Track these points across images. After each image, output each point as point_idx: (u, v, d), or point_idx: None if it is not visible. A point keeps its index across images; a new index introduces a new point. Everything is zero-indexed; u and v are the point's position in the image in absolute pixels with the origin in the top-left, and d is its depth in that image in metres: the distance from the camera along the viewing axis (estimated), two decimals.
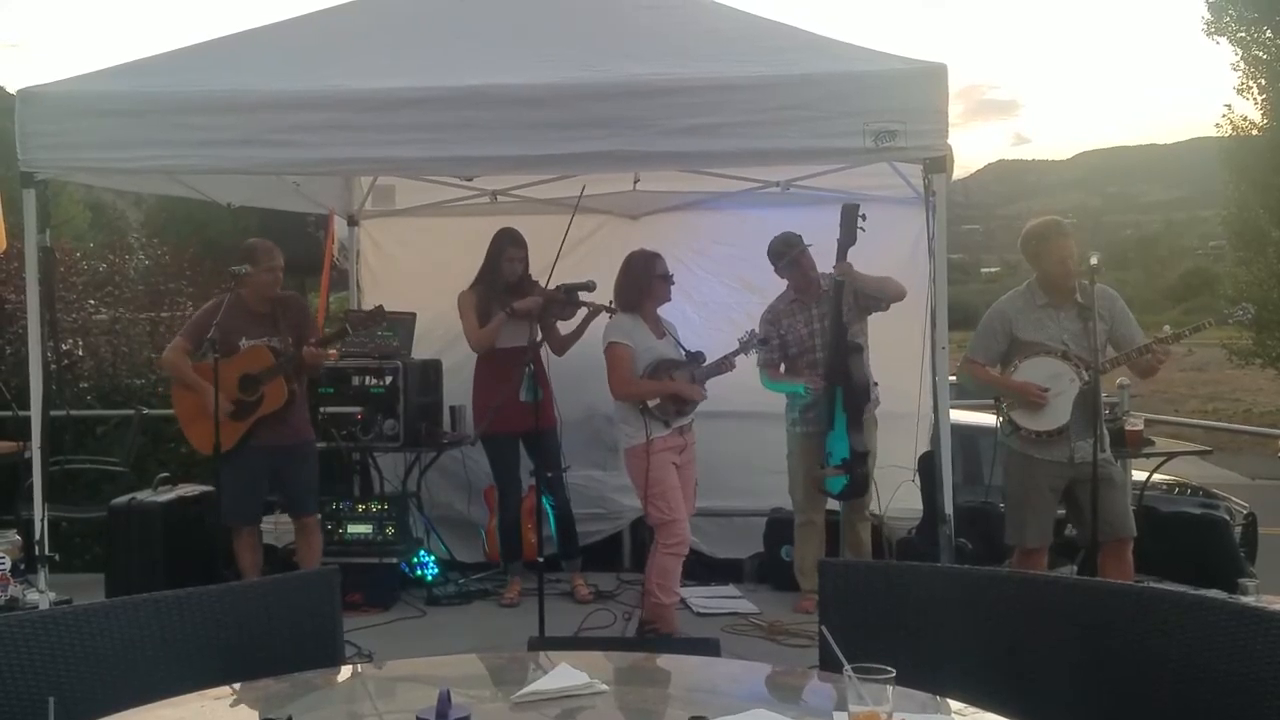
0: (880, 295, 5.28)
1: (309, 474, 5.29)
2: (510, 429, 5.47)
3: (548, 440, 5.69)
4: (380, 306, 5.21)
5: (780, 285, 5.61)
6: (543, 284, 5.53)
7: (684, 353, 5.09)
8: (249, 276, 5.07)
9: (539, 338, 5.58)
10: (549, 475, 5.65)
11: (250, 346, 5.05)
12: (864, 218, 5.03)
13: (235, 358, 5.00)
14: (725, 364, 5.08)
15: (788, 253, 5.42)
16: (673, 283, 5.17)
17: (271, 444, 5.06)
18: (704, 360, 5.06)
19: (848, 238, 5.07)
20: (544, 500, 5.85)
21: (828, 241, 5.38)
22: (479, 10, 4.96)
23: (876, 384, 5.43)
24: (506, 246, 5.70)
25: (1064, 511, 4.91)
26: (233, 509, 5.06)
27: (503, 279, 5.67)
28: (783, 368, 5.51)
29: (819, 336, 5.38)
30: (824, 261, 5.41)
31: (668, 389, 4.93)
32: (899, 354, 5.59)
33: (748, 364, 5.41)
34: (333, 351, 5.26)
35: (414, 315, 6.22)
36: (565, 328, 5.74)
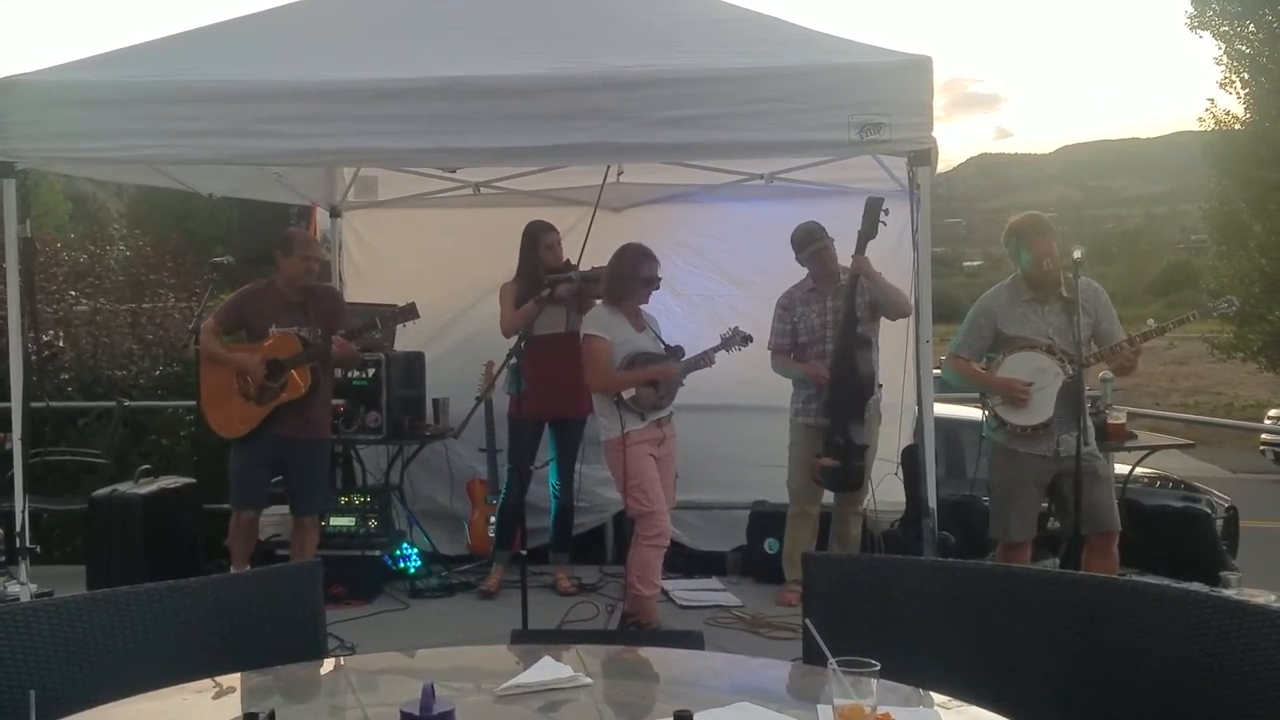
0: (887, 301, 5.27)
1: (318, 472, 5.29)
2: (538, 414, 5.43)
3: (575, 430, 5.73)
4: (412, 303, 5.12)
5: (762, 278, 5.62)
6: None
7: (663, 347, 5.08)
8: (283, 263, 5.09)
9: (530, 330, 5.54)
10: (535, 466, 5.62)
11: (279, 333, 5.06)
12: (887, 212, 5.00)
13: (263, 343, 5.07)
14: (704, 359, 5.07)
15: (810, 244, 5.41)
16: (656, 287, 5.12)
17: (286, 435, 5.05)
18: (683, 354, 5.06)
19: (869, 230, 5.04)
20: (551, 489, 5.84)
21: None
22: (463, 2, 4.94)
23: (881, 384, 5.46)
24: (541, 234, 5.69)
25: (1048, 505, 4.93)
26: (237, 493, 5.13)
27: (545, 266, 5.61)
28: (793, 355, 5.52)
29: (830, 328, 5.37)
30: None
31: (643, 376, 4.92)
32: (884, 347, 5.60)
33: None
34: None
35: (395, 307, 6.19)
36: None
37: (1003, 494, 4.78)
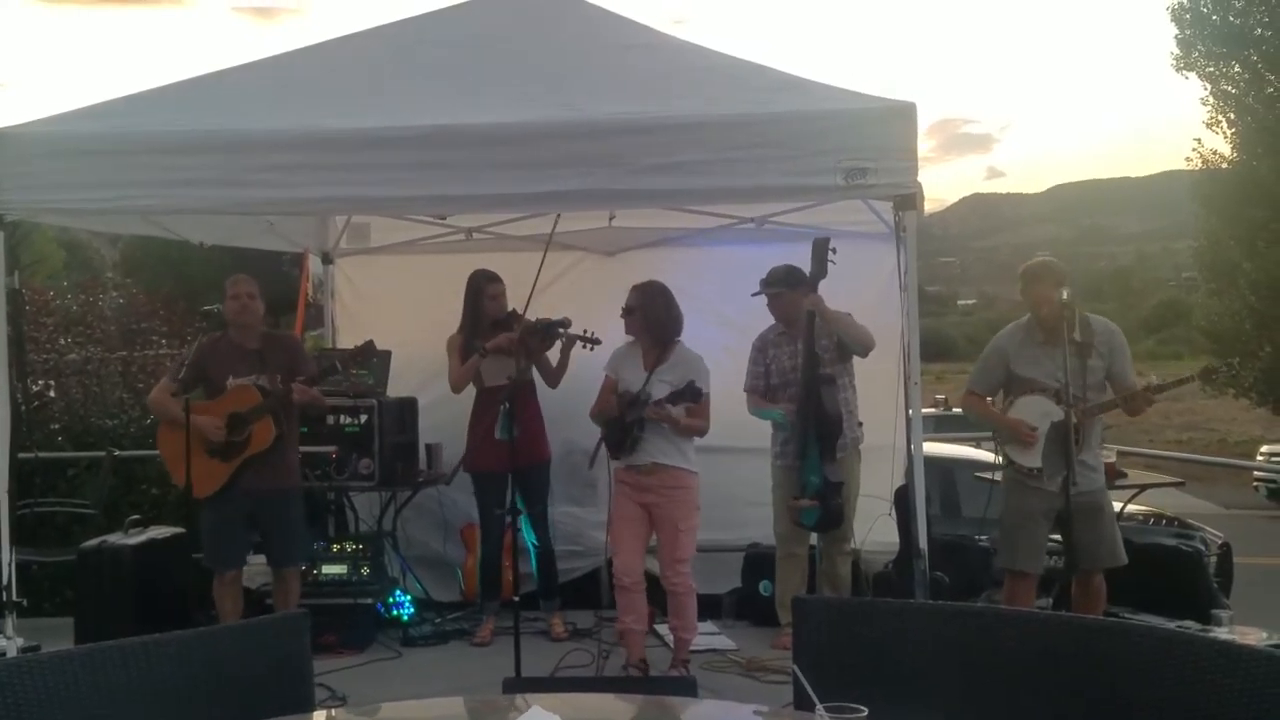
0: (846, 337, 5.29)
1: (294, 522, 5.14)
2: (499, 466, 5.43)
3: (536, 476, 5.71)
4: (370, 341, 5.06)
5: (754, 320, 5.65)
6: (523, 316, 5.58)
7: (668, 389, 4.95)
8: (225, 309, 4.97)
9: (517, 373, 5.57)
10: (516, 513, 5.59)
11: (237, 385, 4.92)
12: (834, 251, 5.07)
13: (222, 397, 4.89)
14: (657, 410, 4.87)
15: (762, 290, 5.46)
16: (633, 315, 5.06)
17: (257, 488, 4.90)
18: (673, 399, 4.91)
19: (819, 270, 5.11)
20: (527, 537, 5.83)
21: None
22: (454, 50, 4.98)
23: (861, 423, 5.46)
24: (484, 285, 5.75)
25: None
26: (214, 554, 4.92)
27: (487, 318, 5.71)
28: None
29: (801, 370, 5.39)
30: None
31: (601, 409, 5.05)
32: (875, 387, 5.61)
33: (726, 401, 5.45)
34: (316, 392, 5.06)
35: (389, 353, 6.20)
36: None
37: (1012, 523, 4.84)
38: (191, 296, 13.67)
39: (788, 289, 5.39)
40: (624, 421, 4.96)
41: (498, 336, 5.63)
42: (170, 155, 4.40)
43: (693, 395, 4.83)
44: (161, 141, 4.42)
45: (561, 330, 5.51)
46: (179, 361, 5.10)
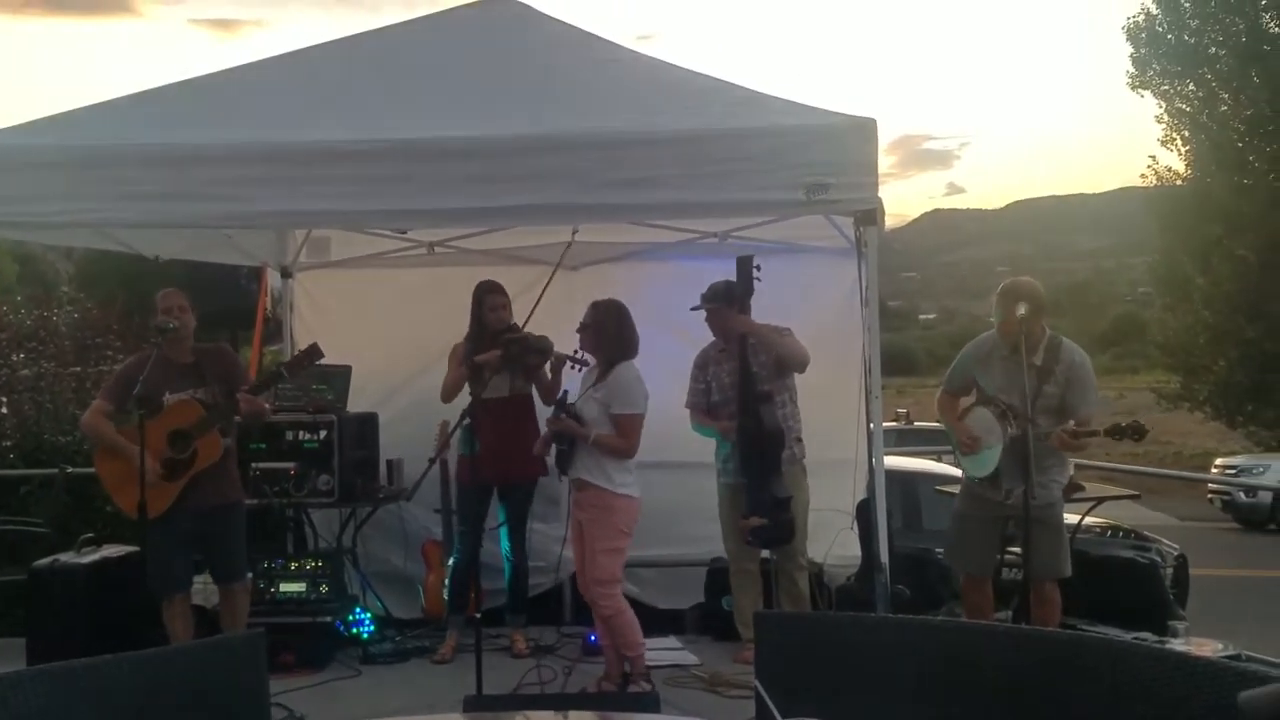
0: (783, 355, 5.31)
1: (240, 536, 5.04)
2: (484, 478, 5.38)
3: (523, 492, 5.70)
4: (315, 345, 4.93)
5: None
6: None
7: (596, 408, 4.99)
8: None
9: (481, 390, 5.53)
10: (480, 530, 5.57)
11: (176, 401, 4.78)
12: (759, 268, 5.10)
13: (161, 414, 4.72)
14: (555, 422, 5.02)
15: (701, 305, 5.47)
16: (582, 332, 5.09)
17: (203, 506, 4.79)
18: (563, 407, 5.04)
19: (744, 288, 5.12)
20: (504, 551, 5.80)
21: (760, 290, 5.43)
22: (416, 64, 4.98)
23: (800, 440, 5.44)
24: (485, 296, 5.70)
25: (1001, 555, 5.02)
26: (161, 577, 4.79)
27: (489, 328, 5.65)
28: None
29: (737, 389, 5.39)
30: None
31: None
32: (836, 401, 5.63)
33: (687, 415, 5.46)
34: (265, 400, 5.00)
35: (349, 368, 6.15)
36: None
37: (960, 525, 4.95)
38: (147, 311, 13.49)
39: (725, 305, 5.39)
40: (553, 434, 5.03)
41: (484, 354, 5.55)
42: (125, 169, 4.34)
43: (562, 408, 5.00)
44: (116, 155, 4.37)
45: (553, 350, 5.50)
46: (112, 381, 4.94)
